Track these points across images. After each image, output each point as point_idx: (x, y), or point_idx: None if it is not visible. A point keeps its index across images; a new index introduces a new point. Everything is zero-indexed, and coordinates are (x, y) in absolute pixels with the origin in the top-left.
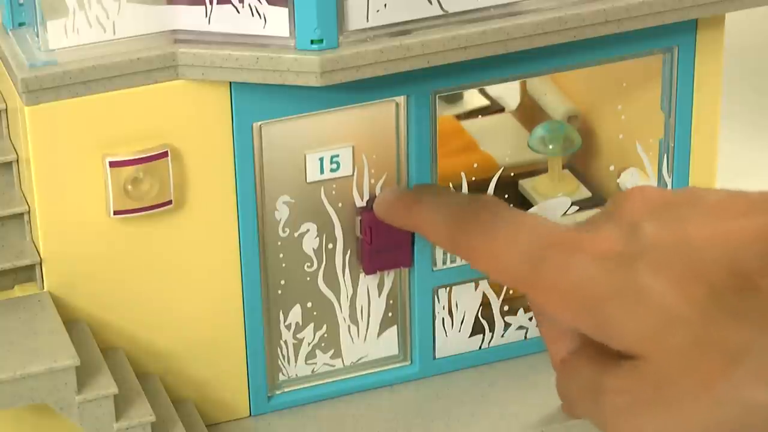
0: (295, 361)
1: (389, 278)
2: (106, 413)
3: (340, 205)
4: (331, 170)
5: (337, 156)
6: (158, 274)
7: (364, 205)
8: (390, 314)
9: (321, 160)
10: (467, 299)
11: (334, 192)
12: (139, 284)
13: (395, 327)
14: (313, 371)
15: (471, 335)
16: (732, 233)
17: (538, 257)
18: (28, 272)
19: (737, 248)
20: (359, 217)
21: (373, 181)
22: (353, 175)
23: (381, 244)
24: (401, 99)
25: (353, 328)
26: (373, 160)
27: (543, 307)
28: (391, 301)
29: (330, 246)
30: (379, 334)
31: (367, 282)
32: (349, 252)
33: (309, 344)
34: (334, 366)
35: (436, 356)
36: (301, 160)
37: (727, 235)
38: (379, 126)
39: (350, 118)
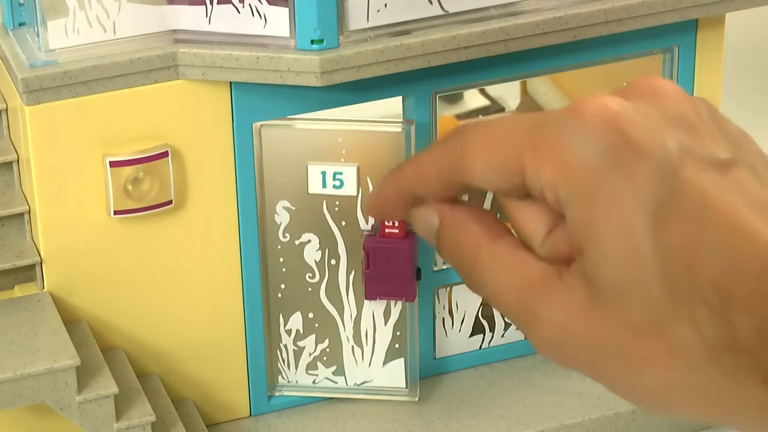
0: (296, 369)
1: (396, 308)
2: (106, 413)
3: (343, 223)
4: (334, 187)
5: (341, 173)
6: (158, 274)
7: (369, 228)
8: (397, 345)
9: (323, 174)
10: (467, 299)
11: (337, 209)
12: (139, 284)
13: (402, 359)
14: (314, 382)
15: (471, 335)
16: None
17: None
18: (28, 272)
19: None
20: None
21: None
22: (357, 195)
23: (379, 271)
24: (408, 126)
25: (357, 350)
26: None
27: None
28: (398, 333)
29: (333, 262)
30: (384, 363)
31: (373, 307)
32: (353, 272)
33: (310, 354)
34: (336, 383)
35: (436, 356)
36: (303, 170)
37: None
38: (385, 149)
39: (357, 139)
